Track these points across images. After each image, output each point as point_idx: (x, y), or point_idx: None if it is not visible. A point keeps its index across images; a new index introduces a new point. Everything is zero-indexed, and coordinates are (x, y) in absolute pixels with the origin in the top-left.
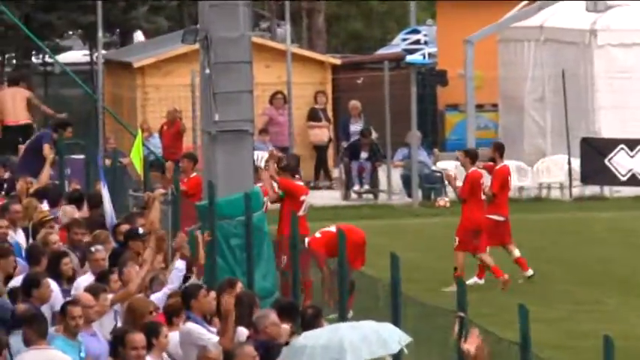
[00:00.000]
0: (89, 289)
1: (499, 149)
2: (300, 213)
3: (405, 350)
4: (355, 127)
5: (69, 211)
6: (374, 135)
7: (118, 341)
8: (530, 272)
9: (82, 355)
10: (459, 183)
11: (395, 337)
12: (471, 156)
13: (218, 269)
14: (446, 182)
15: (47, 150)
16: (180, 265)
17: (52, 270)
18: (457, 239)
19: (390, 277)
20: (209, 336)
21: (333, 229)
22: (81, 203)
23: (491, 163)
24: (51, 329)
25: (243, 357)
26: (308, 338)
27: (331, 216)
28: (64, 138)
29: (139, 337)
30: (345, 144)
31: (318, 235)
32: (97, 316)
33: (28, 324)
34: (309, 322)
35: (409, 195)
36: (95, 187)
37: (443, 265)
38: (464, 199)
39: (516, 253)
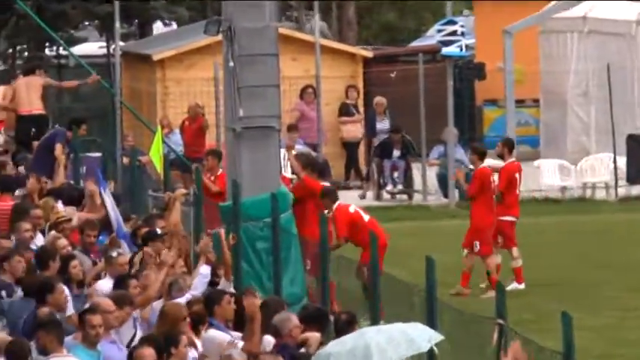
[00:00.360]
0: (114, 297)
1: (508, 145)
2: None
3: (435, 349)
4: (381, 124)
5: (82, 216)
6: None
7: (130, 356)
8: (522, 286)
9: None
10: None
11: (424, 336)
12: (479, 153)
13: (243, 274)
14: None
15: (59, 150)
16: (205, 270)
17: (60, 274)
18: (478, 244)
19: (426, 281)
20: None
21: (365, 216)
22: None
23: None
24: (68, 337)
25: None
26: (334, 345)
27: None
28: (78, 136)
29: (147, 352)
30: (376, 141)
31: (352, 209)
32: (118, 324)
33: (46, 330)
34: (342, 328)
35: (445, 195)
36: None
37: (482, 269)
38: (472, 197)
39: (519, 261)
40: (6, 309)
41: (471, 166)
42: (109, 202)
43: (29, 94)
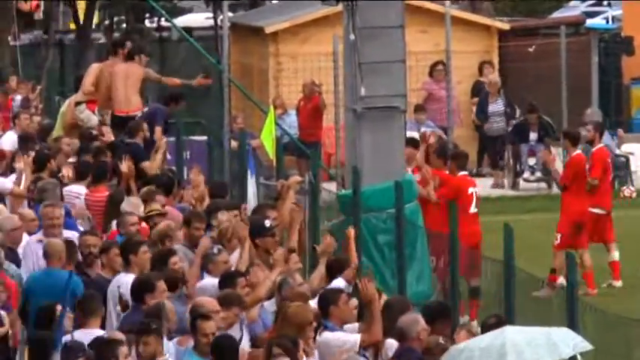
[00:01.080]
0: (220, 297)
1: (600, 129)
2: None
3: (579, 358)
4: (494, 106)
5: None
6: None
7: None
8: (619, 283)
9: None
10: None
11: (568, 342)
12: (571, 138)
13: (363, 270)
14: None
15: (159, 134)
16: (339, 283)
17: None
18: (559, 236)
19: (566, 279)
20: (350, 342)
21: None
22: (169, 190)
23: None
24: (176, 342)
25: None
26: (469, 342)
27: (497, 208)
28: (178, 115)
29: None
30: (491, 125)
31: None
32: (225, 326)
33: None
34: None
35: None
36: (192, 173)
37: (630, 267)
38: (565, 186)
39: (616, 255)
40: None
41: (617, 151)
42: (252, 191)
43: (127, 89)
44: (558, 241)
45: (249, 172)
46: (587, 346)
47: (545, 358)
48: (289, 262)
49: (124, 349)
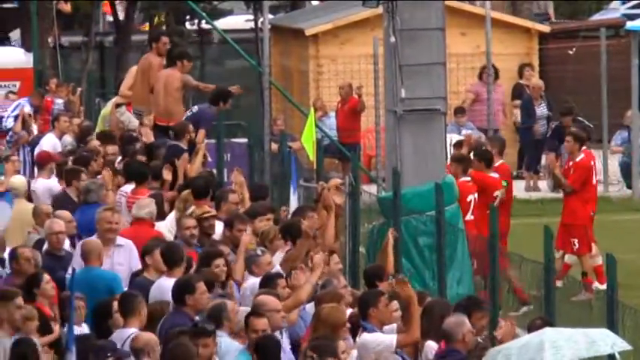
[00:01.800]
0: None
1: (578, 139)
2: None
3: (617, 356)
4: (538, 110)
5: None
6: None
7: None
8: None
9: None
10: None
11: (607, 341)
12: (580, 140)
13: (404, 273)
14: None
15: (201, 136)
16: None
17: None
18: (575, 241)
19: (607, 282)
20: (386, 342)
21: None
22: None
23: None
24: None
25: None
26: (509, 343)
27: (536, 210)
28: (222, 114)
29: None
30: (538, 110)
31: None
32: (287, 325)
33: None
34: None
35: (629, 186)
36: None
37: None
38: (573, 190)
39: (599, 259)
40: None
41: None
42: (295, 199)
43: (166, 99)
44: (577, 246)
45: (292, 176)
46: (625, 345)
47: (583, 354)
48: (330, 263)
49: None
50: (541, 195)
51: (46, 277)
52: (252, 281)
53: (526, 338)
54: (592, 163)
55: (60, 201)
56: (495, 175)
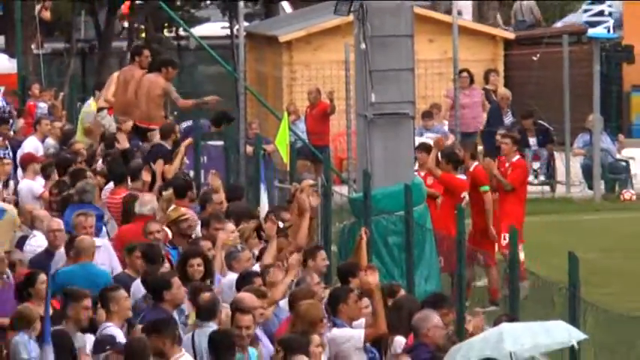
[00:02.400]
0: (254, 292)
1: (516, 142)
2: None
3: (576, 345)
4: (507, 119)
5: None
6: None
7: None
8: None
9: None
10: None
11: (564, 330)
12: (516, 141)
13: None
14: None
15: (187, 143)
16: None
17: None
18: (507, 235)
19: (568, 279)
20: (355, 336)
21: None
22: (183, 193)
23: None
24: None
25: None
26: (470, 339)
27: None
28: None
29: None
30: (506, 120)
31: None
32: (262, 320)
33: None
34: None
35: (590, 187)
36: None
37: (629, 267)
38: (513, 188)
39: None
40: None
41: (618, 156)
42: (265, 202)
43: (148, 104)
44: (507, 241)
45: (261, 176)
46: (582, 335)
47: (541, 342)
48: (317, 260)
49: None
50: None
51: (42, 277)
52: (231, 277)
53: (485, 333)
54: (527, 165)
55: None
56: (463, 176)
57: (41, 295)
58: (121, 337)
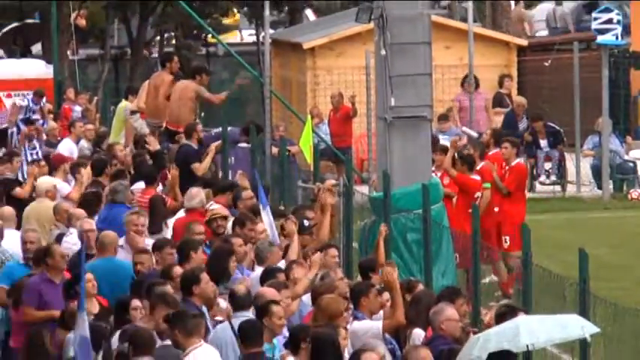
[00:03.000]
0: (271, 285)
1: (495, 136)
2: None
3: (589, 338)
4: (521, 125)
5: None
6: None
7: None
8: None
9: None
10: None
11: (578, 325)
12: (515, 145)
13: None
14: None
15: (217, 145)
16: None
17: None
18: (508, 238)
19: (578, 274)
20: (374, 328)
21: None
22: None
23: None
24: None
25: None
26: (486, 331)
27: None
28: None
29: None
30: (520, 126)
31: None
32: (288, 315)
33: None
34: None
35: (599, 187)
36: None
37: (637, 263)
38: (509, 192)
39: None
40: None
41: (626, 157)
42: (268, 220)
43: (180, 108)
44: (508, 243)
45: (261, 205)
46: (595, 329)
47: (556, 336)
48: (327, 257)
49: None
50: None
51: (89, 275)
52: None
53: (502, 326)
54: (526, 169)
55: None
56: (477, 177)
57: (89, 293)
58: None
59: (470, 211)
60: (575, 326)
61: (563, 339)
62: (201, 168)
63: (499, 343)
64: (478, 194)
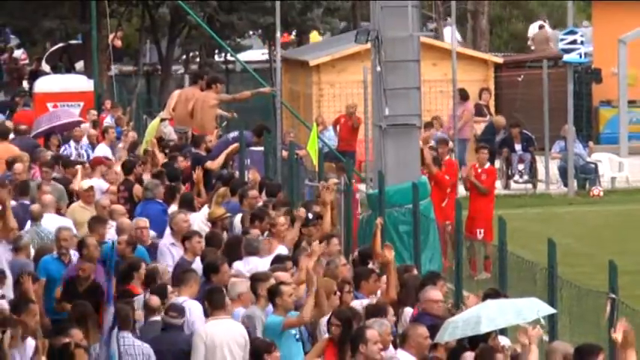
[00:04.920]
0: (275, 270)
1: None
2: (443, 204)
3: (542, 320)
4: (499, 137)
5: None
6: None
7: None
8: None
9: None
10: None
11: (533, 308)
12: (492, 151)
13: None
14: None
15: (234, 148)
16: None
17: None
18: (483, 230)
19: (547, 261)
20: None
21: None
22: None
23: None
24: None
25: (415, 337)
26: (457, 316)
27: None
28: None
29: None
30: (498, 138)
31: None
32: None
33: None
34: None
35: (565, 185)
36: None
37: (597, 251)
38: (487, 191)
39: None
40: None
41: (588, 159)
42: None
43: (203, 116)
44: (482, 234)
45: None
46: (550, 310)
47: (512, 322)
48: (330, 245)
49: None
50: (496, 192)
51: (143, 264)
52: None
53: (468, 312)
54: (496, 171)
55: None
56: (447, 176)
57: (140, 278)
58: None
59: (443, 205)
60: (530, 309)
61: (520, 322)
62: (214, 164)
63: (464, 331)
64: (448, 190)
